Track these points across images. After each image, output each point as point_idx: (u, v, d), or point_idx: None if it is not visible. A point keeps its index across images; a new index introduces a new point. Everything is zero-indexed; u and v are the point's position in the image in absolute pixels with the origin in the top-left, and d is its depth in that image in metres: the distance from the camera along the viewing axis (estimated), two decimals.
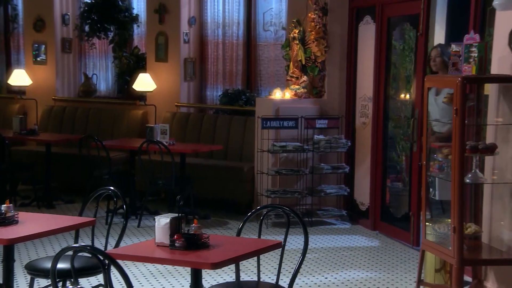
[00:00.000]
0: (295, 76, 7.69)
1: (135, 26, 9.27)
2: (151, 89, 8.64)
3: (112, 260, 2.94)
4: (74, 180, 8.48)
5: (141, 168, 7.22)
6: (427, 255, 5.11)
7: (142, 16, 9.21)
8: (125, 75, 9.16)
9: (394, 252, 6.45)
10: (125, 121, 8.89)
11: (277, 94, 7.63)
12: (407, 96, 7.07)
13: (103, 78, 9.72)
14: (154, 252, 3.44)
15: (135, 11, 9.28)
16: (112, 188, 4.37)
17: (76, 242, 4.26)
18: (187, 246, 3.46)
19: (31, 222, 4.00)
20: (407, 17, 6.93)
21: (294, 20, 7.66)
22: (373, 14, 7.24)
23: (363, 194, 7.42)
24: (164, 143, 7.19)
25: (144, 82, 8.55)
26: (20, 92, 9.70)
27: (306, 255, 6.31)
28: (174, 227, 3.51)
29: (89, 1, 9.17)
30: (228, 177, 7.80)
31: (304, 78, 7.66)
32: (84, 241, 6.22)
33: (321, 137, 7.43)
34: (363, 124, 7.45)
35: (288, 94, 7.63)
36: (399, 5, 6.97)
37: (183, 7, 8.70)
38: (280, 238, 6.82)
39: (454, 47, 4.80)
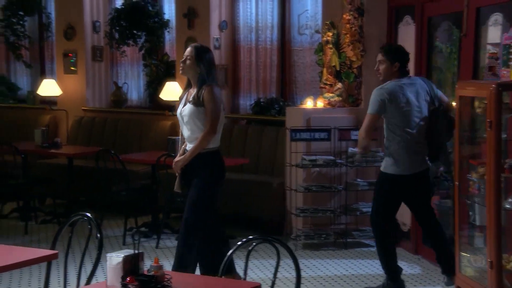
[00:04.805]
0: (329, 83, 7.03)
1: (166, 32, 8.78)
2: (178, 99, 8.11)
3: None
4: (99, 194, 8.04)
5: (161, 183, 6.75)
6: None
7: (173, 22, 8.72)
8: (155, 84, 8.68)
9: (436, 283, 5.69)
10: (153, 133, 8.40)
11: (309, 103, 6.99)
12: (454, 104, 6.31)
13: (135, 87, 9.28)
14: None
15: (166, 16, 8.80)
16: (88, 214, 3.92)
17: (47, 277, 3.77)
18: None
19: None
20: (450, 15, 6.18)
21: (328, 22, 7.01)
22: (413, 13, 6.51)
23: (404, 213, 6.63)
24: None
25: (171, 91, 8.04)
26: (51, 102, 9.37)
27: (336, 282, 5.72)
28: (129, 267, 2.94)
29: (119, 7, 8.75)
30: (256, 193, 7.17)
31: (339, 85, 6.99)
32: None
33: (356, 149, 6.74)
34: None
35: (320, 103, 6.97)
36: (440, 3, 6.22)
37: (213, 11, 8.15)
38: (313, 262, 6.21)
39: (490, 49, 4.09)
